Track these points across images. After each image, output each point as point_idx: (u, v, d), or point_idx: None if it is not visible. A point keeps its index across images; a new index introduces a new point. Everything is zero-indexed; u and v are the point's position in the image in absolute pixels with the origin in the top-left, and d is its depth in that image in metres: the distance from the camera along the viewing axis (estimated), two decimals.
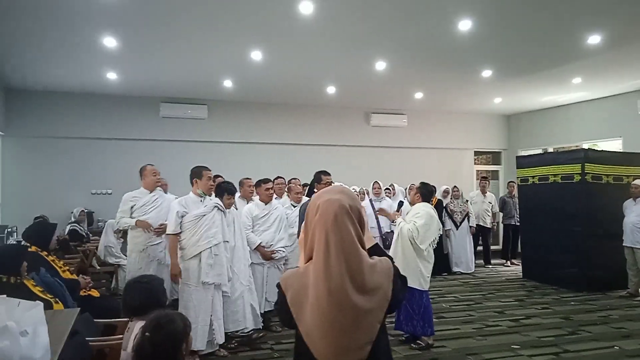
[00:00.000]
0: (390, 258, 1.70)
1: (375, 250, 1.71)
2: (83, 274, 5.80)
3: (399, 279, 1.62)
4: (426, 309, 4.86)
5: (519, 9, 5.39)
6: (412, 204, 5.19)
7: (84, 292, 4.24)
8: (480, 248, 9.91)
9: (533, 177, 8.40)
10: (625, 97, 9.43)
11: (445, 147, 11.64)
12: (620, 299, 6.99)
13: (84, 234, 7.83)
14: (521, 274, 8.72)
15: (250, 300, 4.99)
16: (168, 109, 9.52)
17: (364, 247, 1.54)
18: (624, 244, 7.10)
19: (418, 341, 4.92)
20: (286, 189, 7.10)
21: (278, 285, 1.58)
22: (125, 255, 6.74)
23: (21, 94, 8.72)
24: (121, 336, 2.79)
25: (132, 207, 5.15)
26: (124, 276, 6.73)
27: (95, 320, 3.38)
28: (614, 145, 9.87)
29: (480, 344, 5.02)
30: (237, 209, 5.36)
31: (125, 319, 2.82)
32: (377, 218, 7.39)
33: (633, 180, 7.27)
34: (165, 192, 6.14)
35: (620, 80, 8.54)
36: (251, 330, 4.99)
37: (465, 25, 5.78)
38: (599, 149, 9.12)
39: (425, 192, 5.09)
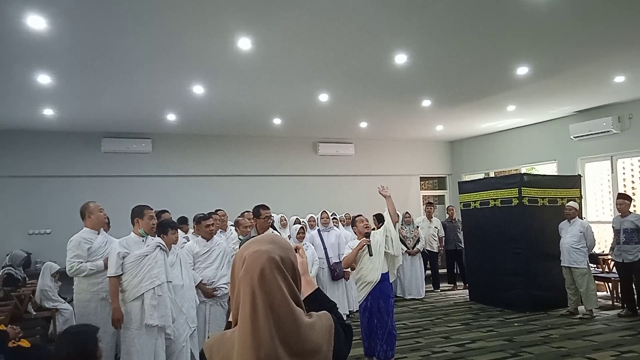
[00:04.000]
0: (334, 305, 1.58)
1: (316, 297, 1.57)
2: (16, 321, 5.51)
3: (343, 331, 1.45)
4: (390, 333, 5.01)
5: (448, 44, 5.63)
6: (364, 234, 5.25)
7: (13, 343, 4.01)
8: (428, 272, 10.06)
9: (475, 201, 8.67)
10: (558, 122, 9.94)
11: (392, 174, 11.86)
12: (560, 318, 7.24)
13: (20, 277, 7.44)
14: (468, 297, 8.90)
15: (190, 346, 4.86)
16: (110, 144, 9.32)
17: (299, 305, 1.34)
18: (561, 264, 7.39)
19: None
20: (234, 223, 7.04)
21: (201, 354, 1.38)
22: (63, 299, 6.46)
23: None
24: None
25: (87, 250, 4.79)
26: (63, 321, 6.42)
27: None
28: (550, 168, 10.35)
29: None
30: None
31: None
32: (325, 249, 7.40)
33: (567, 202, 7.62)
34: (107, 230, 5.94)
35: (551, 107, 9.01)
36: None
37: (401, 59, 5.99)
38: (533, 173, 9.52)
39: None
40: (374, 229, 5.59)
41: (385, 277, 5.12)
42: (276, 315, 1.26)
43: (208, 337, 5.18)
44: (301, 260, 1.52)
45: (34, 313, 6.36)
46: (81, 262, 4.73)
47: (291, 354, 1.26)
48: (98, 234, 4.99)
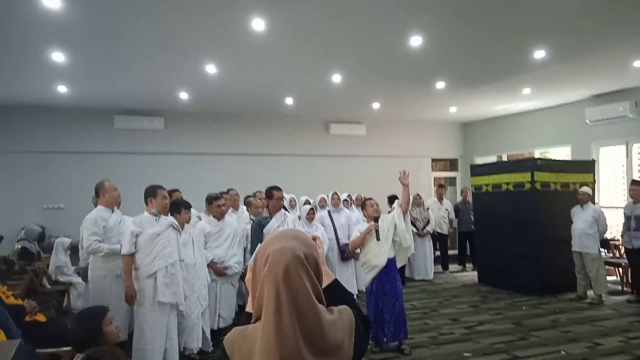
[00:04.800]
0: (352, 297, 1.56)
1: (334, 289, 1.54)
2: (32, 294, 5.65)
3: (362, 324, 1.44)
4: (399, 315, 5.11)
5: (464, 27, 5.55)
6: (373, 218, 5.25)
7: (30, 317, 4.10)
8: (438, 253, 10.09)
9: (487, 185, 8.63)
10: (573, 106, 9.79)
11: (404, 155, 11.80)
12: (569, 302, 7.25)
13: (35, 251, 7.58)
14: (477, 279, 8.93)
15: (202, 323, 4.95)
16: (123, 121, 9.34)
17: (321, 301, 1.33)
18: (572, 249, 7.37)
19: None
20: (245, 203, 7.07)
21: (222, 349, 1.37)
22: (77, 274, 6.59)
23: None
24: None
25: (103, 228, 4.88)
26: (77, 294, 6.57)
27: (38, 350, 3.28)
28: (564, 152, 10.23)
29: (434, 352, 5.13)
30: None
31: (68, 348, 2.75)
32: (335, 230, 7.44)
33: (580, 187, 7.56)
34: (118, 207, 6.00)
35: (567, 90, 8.87)
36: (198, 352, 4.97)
37: (416, 41, 5.91)
38: (546, 158, 9.41)
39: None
40: (389, 212, 5.57)
41: (391, 261, 5.14)
42: (300, 313, 1.26)
43: (219, 315, 5.29)
44: (319, 252, 1.48)
45: (49, 287, 6.51)
46: (98, 241, 4.80)
47: (314, 352, 1.26)
48: (112, 212, 5.06)
